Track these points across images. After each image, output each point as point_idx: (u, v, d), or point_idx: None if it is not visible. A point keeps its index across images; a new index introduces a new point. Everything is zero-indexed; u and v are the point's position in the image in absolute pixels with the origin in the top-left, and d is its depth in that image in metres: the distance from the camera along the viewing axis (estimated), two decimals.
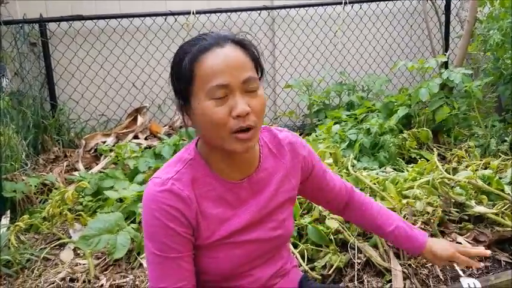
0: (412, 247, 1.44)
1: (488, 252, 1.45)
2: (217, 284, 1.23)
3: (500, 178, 2.55)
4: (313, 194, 1.43)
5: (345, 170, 2.56)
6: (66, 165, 3.42)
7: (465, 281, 1.56)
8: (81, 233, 2.27)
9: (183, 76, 1.09)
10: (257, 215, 1.22)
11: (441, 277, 2.04)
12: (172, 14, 4.10)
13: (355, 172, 2.46)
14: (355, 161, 2.95)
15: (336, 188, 1.43)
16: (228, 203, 1.19)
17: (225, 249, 1.18)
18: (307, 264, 2.06)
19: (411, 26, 4.93)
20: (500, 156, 3.01)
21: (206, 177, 1.16)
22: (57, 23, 3.93)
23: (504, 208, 2.31)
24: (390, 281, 2.00)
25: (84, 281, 2.09)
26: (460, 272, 1.50)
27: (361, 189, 2.30)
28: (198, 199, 1.14)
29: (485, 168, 2.73)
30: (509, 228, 2.25)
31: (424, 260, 2.10)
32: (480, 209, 2.30)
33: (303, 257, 2.08)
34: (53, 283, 2.10)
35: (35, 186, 2.87)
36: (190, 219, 1.13)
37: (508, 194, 2.37)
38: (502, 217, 2.28)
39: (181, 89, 1.11)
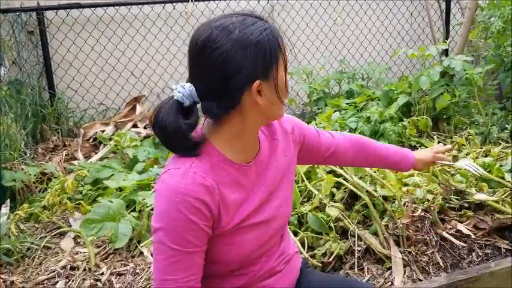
0: (409, 166, 1.70)
1: (449, 146, 1.85)
2: (223, 274, 1.22)
3: (500, 166, 2.54)
4: (311, 158, 1.50)
5: None
6: (66, 154, 3.42)
7: (462, 162, 2.00)
8: (84, 218, 2.27)
9: (274, 50, 1.11)
10: (264, 195, 1.22)
11: (441, 264, 2.04)
12: (171, 1, 4.06)
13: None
14: None
15: (333, 145, 1.51)
16: (243, 186, 1.18)
17: (240, 233, 1.17)
18: (307, 252, 2.06)
19: (411, 13, 4.89)
20: (500, 144, 3.00)
21: (221, 162, 1.14)
22: (55, 11, 3.88)
23: (504, 195, 2.31)
24: (390, 268, 2.00)
25: (84, 269, 2.10)
26: (449, 163, 1.81)
27: (360, 178, 2.30)
28: (219, 186, 1.12)
29: (486, 156, 2.73)
30: (510, 216, 2.25)
31: (424, 248, 2.10)
32: (480, 196, 2.30)
33: (303, 245, 2.08)
34: (54, 271, 2.11)
35: (35, 175, 2.86)
36: (213, 210, 1.10)
37: (509, 181, 2.37)
38: (502, 204, 2.28)
39: (268, 65, 1.10)
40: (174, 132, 1.08)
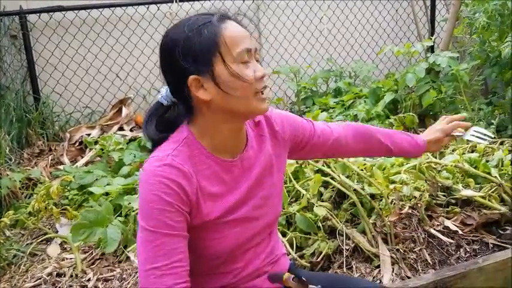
0: (418, 152, 1.58)
1: (465, 114, 1.63)
2: (207, 272, 1.21)
3: (487, 161, 2.55)
4: (310, 153, 1.46)
5: None
6: (51, 159, 3.39)
7: (468, 133, 1.63)
8: (73, 223, 2.25)
9: (205, 45, 1.10)
10: (249, 192, 1.22)
11: (429, 261, 2.04)
12: (155, 2, 4.04)
13: (343, 158, 2.45)
14: None
15: (332, 137, 1.45)
16: (224, 182, 1.19)
17: (224, 228, 1.17)
18: (296, 252, 2.05)
19: (396, 10, 4.91)
20: None
21: (202, 155, 1.16)
22: (38, 14, 3.85)
23: (491, 191, 2.32)
24: (378, 266, 2.00)
25: (71, 276, 2.08)
26: (460, 134, 1.60)
27: (348, 176, 2.29)
28: (197, 176, 1.13)
29: (472, 152, 2.73)
30: (497, 211, 2.26)
31: (412, 245, 2.10)
32: (467, 192, 2.31)
33: (291, 245, 2.07)
34: (40, 278, 2.09)
35: (20, 181, 2.84)
36: (190, 195, 1.11)
37: (495, 177, 2.38)
38: (489, 200, 2.29)
39: (200, 60, 1.10)
40: (148, 119, 1.21)
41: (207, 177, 1.16)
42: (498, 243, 2.17)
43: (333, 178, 2.27)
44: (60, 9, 3.81)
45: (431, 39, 3.88)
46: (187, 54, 1.11)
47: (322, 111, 3.49)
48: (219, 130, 1.17)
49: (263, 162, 1.26)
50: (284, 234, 2.12)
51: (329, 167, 2.31)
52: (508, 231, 2.23)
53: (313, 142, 1.41)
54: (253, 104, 1.14)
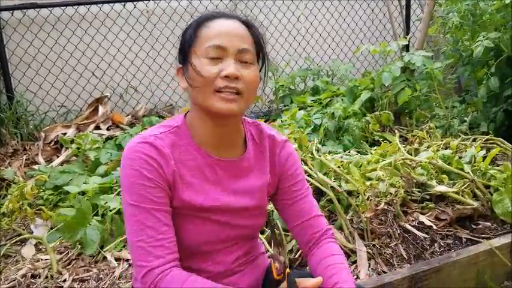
0: None
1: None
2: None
3: (460, 158, 2.61)
4: (278, 207, 1.37)
5: (309, 155, 2.57)
6: (26, 159, 3.31)
7: None
8: (58, 222, 2.22)
9: (187, 38, 1.19)
10: (233, 201, 1.23)
11: (404, 256, 2.08)
12: (131, 0, 4.00)
13: (320, 156, 2.48)
14: (319, 145, 2.96)
15: (305, 218, 1.32)
16: (206, 177, 1.20)
17: (194, 221, 1.19)
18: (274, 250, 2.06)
19: (373, 10, 4.97)
20: (460, 136, 3.07)
21: (188, 146, 1.19)
22: (11, 11, 3.76)
23: (464, 187, 2.37)
24: (355, 261, 2.03)
25: (46, 277, 2.04)
26: None
27: (325, 174, 2.31)
28: (177, 163, 1.16)
29: (446, 149, 2.78)
30: (469, 206, 2.31)
31: (388, 240, 2.13)
32: (441, 188, 2.35)
33: (269, 243, 2.08)
34: (14, 280, 2.04)
35: None
36: (167, 175, 1.14)
37: (468, 172, 2.43)
38: (462, 195, 2.34)
39: (183, 51, 1.19)
40: None
41: (188, 167, 1.18)
42: (471, 238, 2.22)
43: (310, 175, 2.28)
44: (34, 6, 3.73)
45: (406, 38, 3.94)
46: (180, 46, 1.22)
47: (299, 110, 3.51)
48: (201, 123, 1.20)
49: (256, 178, 1.27)
50: (262, 232, 2.13)
51: (306, 164, 2.33)
52: (480, 226, 2.29)
53: (287, 203, 1.33)
54: (210, 100, 1.14)
